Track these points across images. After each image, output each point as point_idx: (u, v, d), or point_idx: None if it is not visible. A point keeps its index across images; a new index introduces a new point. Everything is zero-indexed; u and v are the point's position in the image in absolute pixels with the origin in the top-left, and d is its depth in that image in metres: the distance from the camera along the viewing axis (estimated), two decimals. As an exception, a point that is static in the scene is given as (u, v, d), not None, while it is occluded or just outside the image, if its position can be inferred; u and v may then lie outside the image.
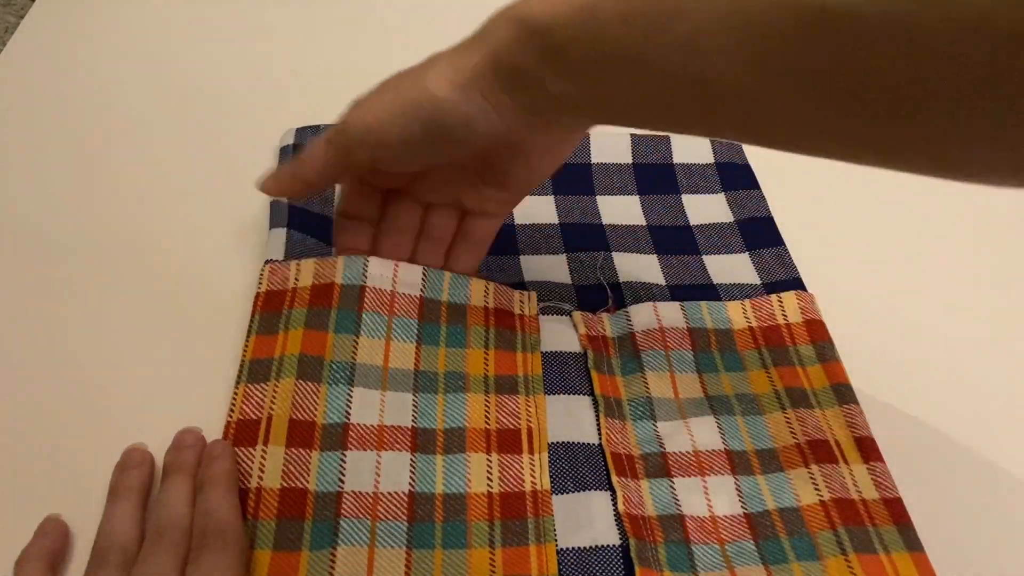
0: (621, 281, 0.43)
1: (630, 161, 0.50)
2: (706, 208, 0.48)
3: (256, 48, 0.57)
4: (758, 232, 0.47)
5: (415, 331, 0.38)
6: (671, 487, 0.36)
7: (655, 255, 0.45)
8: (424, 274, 0.40)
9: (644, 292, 0.43)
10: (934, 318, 0.44)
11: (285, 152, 0.48)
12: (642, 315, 0.41)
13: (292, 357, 0.36)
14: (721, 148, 0.51)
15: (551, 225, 0.46)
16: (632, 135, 0.51)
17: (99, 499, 0.33)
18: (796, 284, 0.44)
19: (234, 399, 0.36)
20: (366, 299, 0.38)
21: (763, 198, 0.49)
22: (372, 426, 0.35)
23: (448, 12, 0.62)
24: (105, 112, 0.51)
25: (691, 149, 0.51)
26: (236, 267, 0.43)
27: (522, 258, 0.44)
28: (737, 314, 0.42)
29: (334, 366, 0.36)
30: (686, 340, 0.41)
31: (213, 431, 0.36)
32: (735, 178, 0.50)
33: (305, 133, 0.49)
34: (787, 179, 0.50)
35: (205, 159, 0.49)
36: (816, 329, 0.41)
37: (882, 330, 0.43)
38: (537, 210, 0.47)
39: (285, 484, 0.33)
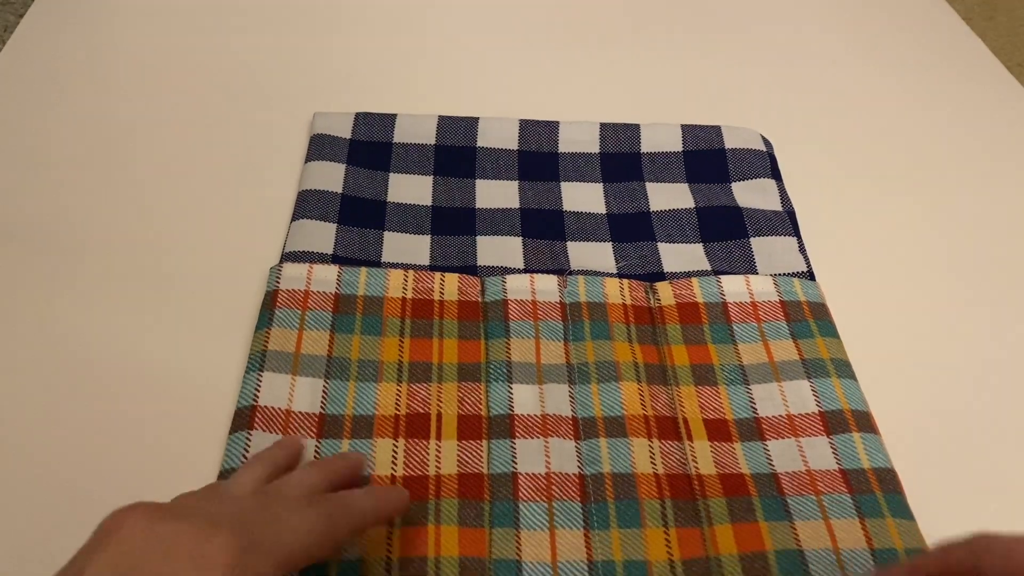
0: (572, 268, 0.45)
1: (597, 150, 0.51)
2: (667, 196, 0.49)
3: (259, 44, 0.57)
4: (717, 223, 0.48)
5: (561, 331, 0.42)
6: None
7: (610, 243, 0.47)
8: (560, 280, 0.44)
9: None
10: (940, 323, 0.45)
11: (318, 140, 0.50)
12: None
13: (451, 365, 0.40)
14: (690, 135, 0.52)
15: (511, 209, 0.48)
16: (601, 124, 0.52)
17: (107, 501, 0.29)
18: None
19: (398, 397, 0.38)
20: (510, 311, 0.42)
21: (730, 191, 0.49)
22: (535, 416, 0.38)
23: (463, 3, 0.63)
24: (105, 111, 0.52)
25: (660, 137, 0.52)
26: (249, 263, 0.44)
27: (479, 239, 0.46)
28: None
29: (491, 366, 0.40)
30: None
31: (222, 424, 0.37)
32: (704, 167, 0.51)
33: (328, 119, 0.51)
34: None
35: (207, 157, 0.49)
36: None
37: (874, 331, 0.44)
38: (500, 194, 0.48)
39: (462, 471, 0.36)
